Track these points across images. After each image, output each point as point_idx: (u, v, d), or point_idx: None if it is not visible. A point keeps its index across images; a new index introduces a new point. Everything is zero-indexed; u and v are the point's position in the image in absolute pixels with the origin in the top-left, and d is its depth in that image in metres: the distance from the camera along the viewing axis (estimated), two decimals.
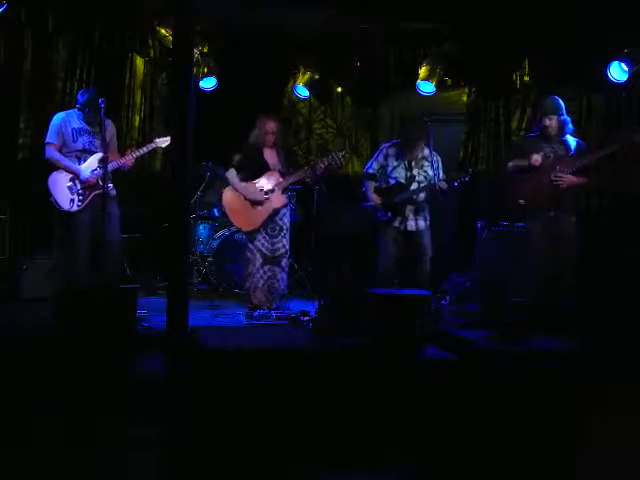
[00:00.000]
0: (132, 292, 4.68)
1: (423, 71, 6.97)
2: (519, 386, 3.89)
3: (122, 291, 4.71)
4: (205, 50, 7.02)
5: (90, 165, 5.60)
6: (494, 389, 3.87)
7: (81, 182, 5.56)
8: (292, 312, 5.66)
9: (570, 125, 5.67)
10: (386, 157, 5.96)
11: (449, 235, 7.42)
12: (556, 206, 5.54)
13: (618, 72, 5.88)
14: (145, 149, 5.85)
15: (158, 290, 6.58)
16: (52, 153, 5.57)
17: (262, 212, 5.91)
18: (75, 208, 5.54)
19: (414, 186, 5.88)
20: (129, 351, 4.31)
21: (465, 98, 7.66)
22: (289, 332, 5.04)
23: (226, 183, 6.05)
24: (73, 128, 5.59)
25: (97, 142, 5.58)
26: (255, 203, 5.92)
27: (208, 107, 6.50)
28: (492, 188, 7.02)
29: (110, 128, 5.71)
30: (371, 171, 6.02)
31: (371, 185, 5.99)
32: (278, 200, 5.95)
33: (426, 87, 6.99)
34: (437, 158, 5.87)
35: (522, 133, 7.12)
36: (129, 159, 5.70)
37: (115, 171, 5.64)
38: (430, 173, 5.84)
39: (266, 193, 5.92)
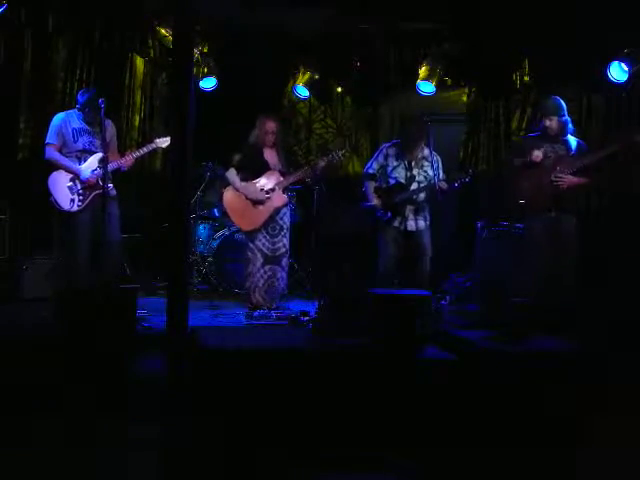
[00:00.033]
0: (132, 292, 4.68)
1: (423, 71, 6.97)
2: (519, 386, 3.89)
3: (122, 291, 4.71)
4: (205, 50, 7.02)
5: (90, 165, 5.60)
6: (494, 389, 3.87)
7: (81, 182, 5.56)
8: (292, 312, 5.66)
9: (570, 125, 5.67)
10: (386, 157, 5.96)
11: (449, 235, 7.42)
12: (556, 206, 5.54)
13: (618, 72, 5.88)
14: (145, 149, 5.85)
15: (158, 290, 6.58)
16: (52, 153, 5.57)
17: (263, 212, 5.91)
18: (75, 208, 5.54)
19: (414, 186, 5.88)
20: (129, 351, 4.31)
21: (465, 98, 7.66)
22: (289, 332, 5.04)
23: (226, 183, 6.05)
24: (73, 128, 5.59)
25: (97, 142, 5.58)
26: (256, 202, 5.92)
27: (208, 107, 6.50)
28: (492, 188, 7.02)
29: (110, 128, 5.71)
30: (371, 171, 6.02)
31: (371, 185, 5.99)
32: (279, 199, 5.95)
33: (426, 87, 6.99)
34: (437, 158, 5.87)
35: (522, 133, 7.12)
36: (129, 159, 5.70)
37: (115, 171, 5.64)
38: (430, 173, 5.84)
39: (267, 192, 5.93)
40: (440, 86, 7.04)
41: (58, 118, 5.62)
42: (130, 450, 3.46)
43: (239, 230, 6.72)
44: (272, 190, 5.93)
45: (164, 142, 5.85)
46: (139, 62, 7.33)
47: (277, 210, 5.95)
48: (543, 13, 6.06)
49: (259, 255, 5.89)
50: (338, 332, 4.13)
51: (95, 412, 3.78)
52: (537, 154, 5.55)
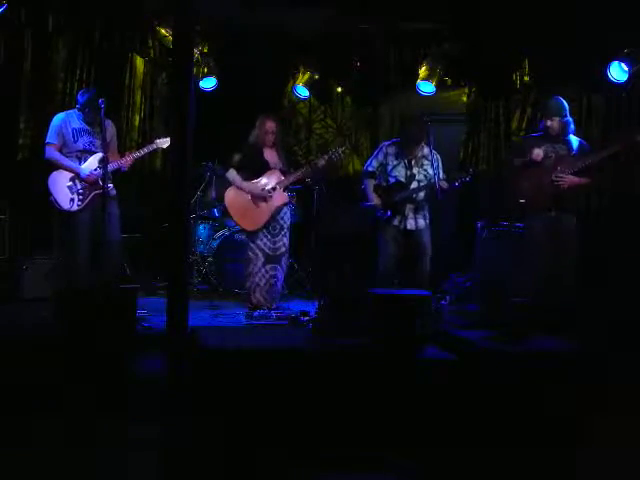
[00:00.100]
0: (132, 292, 4.68)
1: (423, 71, 6.97)
2: (519, 386, 3.89)
3: (122, 291, 4.71)
4: (205, 50, 7.02)
5: (90, 165, 5.60)
6: (494, 389, 3.87)
7: (82, 180, 5.56)
8: (292, 312, 5.67)
9: (572, 125, 5.67)
10: (386, 155, 5.96)
11: (449, 235, 7.42)
12: (557, 206, 5.54)
13: (618, 72, 5.88)
14: (145, 150, 5.86)
15: (158, 290, 6.59)
16: (52, 153, 5.57)
17: (265, 211, 5.92)
18: (75, 208, 5.54)
19: (414, 185, 5.88)
20: (129, 351, 4.31)
21: (465, 98, 7.66)
22: (289, 332, 5.04)
23: (227, 184, 6.05)
24: (73, 128, 5.60)
25: (97, 142, 5.58)
26: (259, 201, 5.91)
27: (208, 107, 6.51)
28: (492, 188, 7.02)
29: (110, 128, 5.71)
30: (370, 169, 6.02)
31: (370, 183, 5.99)
32: (280, 198, 5.95)
33: (426, 87, 6.99)
34: (437, 157, 5.87)
35: (522, 133, 7.12)
36: (129, 159, 5.70)
37: (115, 171, 5.64)
38: (430, 172, 5.84)
39: (268, 191, 5.93)
40: (440, 86, 7.04)
41: (58, 118, 5.63)
42: (130, 450, 3.46)
43: (239, 230, 6.73)
44: (273, 189, 5.93)
45: (164, 142, 5.85)
46: (139, 62, 7.34)
47: (278, 209, 5.96)
48: (543, 13, 6.06)
49: (260, 255, 5.89)
50: (338, 332, 4.13)
51: (95, 412, 3.78)
52: (538, 152, 5.55)
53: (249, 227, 5.96)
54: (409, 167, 5.91)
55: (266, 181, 5.95)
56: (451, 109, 7.76)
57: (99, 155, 5.55)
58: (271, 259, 5.92)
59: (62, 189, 5.54)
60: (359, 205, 6.21)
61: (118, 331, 4.29)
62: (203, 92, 7.05)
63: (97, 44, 6.83)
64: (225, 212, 6.47)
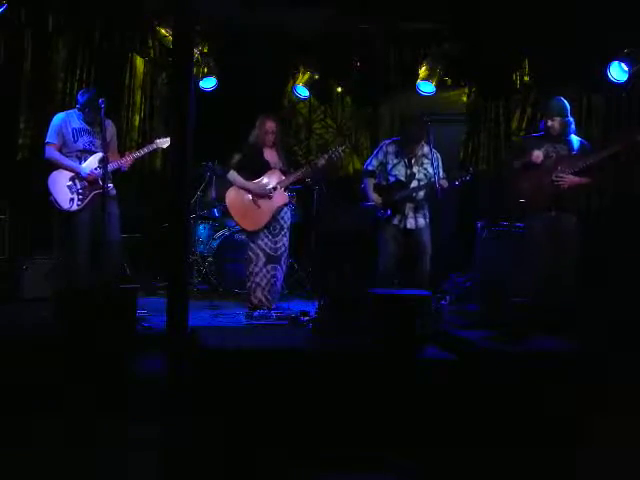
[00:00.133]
0: (132, 292, 4.67)
1: (423, 71, 6.97)
2: (519, 386, 3.89)
3: (122, 291, 4.71)
4: (205, 50, 7.03)
5: (90, 165, 5.60)
6: (494, 389, 3.87)
7: (82, 179, 5.56)
8: (292, 312, 5.67)
9: (573, 126, 5.66)
10: (386, 154, 5.95)
11: (449, 235, 7.42)
12: (557, 206, 5.53)
13: (618, 72, 5.88)
14: (145, 150, 5.86)
15: (158, 290, 6.59)
16: (52, 153, 5.58)
17: (266, 211, 5.92)
18: (75, 207, 5.54)
19: (414, 184, 5.88)
20: (129, 351, 4.31)
21: (465, 98, 7.66)
22: (289, 332, 5.04)
23: (227, 184, 6.05)
24: (73, 128, 5.60)
25: (97, 142, 5.58)
26: (260, 201, 5.90)
27: (208, 107, 6.50)
28: (492, 188, 7.02)
29: (110, 128, 5.71)
30: (370, 168, 6.02)
31: (370, 182, 5.99)
32: (281, 198, 5.95)
33: (426, 87, 6.99)
34: (437, 156, 5.87)
35: (522, 133, 7.12)
36: (129, 159, 5.70)
37: (115, 171, 5.64)
38: (430, 171, 5.84)
39: (269, 191, 5.93)
40: (440, 86, 7.04)
41: (58, 118, 5.63)
42: (130, 450, 3.46)
43: (239, 230, 6.73)
44: (274, 189, 5.93)
45: (164, 142, 5.85)
46: (139, 62, 7.34)
47: (279, 209, 5.96)
48: (543, 13, 6.06)
49: (261, 255, 5.89)
50: (338, 332, 4.13)
51: (95, 412, 3.78)
52: (537, 155, 5.55)
53: (250, 227, 5.96)
54: (409, 166, 5.90)
55: (267, 181, 5.95)
56: (451, 109, 7.76)
57: (99, 155, 5.56)
58: (272, 259, 5.92)
59: (62, 189, 5.54)
60: (359, 205, 6.22)
61: (118, 331, 4.29)
62: (203, 92, 7.05)
63: (97, 44, 6.83)
64: (226, 212, 6.47)
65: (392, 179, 5.91)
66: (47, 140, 5.59)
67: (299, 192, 6.79)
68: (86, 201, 5.57)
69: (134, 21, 6.82)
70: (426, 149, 5.85)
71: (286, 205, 6.03)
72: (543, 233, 5.55)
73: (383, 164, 5.95)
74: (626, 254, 6.02)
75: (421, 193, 5.89)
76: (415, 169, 5.90)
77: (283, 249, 5.99)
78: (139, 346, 4.45)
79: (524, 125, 7.18)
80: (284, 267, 6.05)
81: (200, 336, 4.09)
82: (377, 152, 6.05)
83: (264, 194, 5.90)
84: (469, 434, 3.67)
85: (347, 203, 7.19)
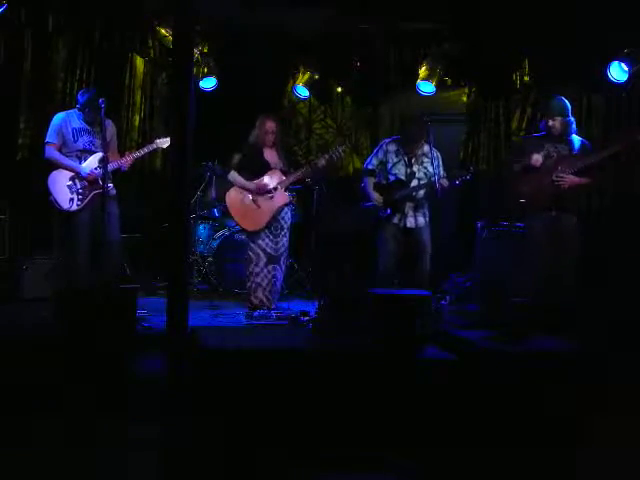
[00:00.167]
0: (132, 292, 4.67)
1: (423, 71, 6.97)
2: (519, 386, 3.88)
3: (122, 291, 4.71)
4: (205, 50, 7.02)
5: (90, 165, 5.60)
6: (494, 389, 3.87)
7: (83, 178, 5.56)
8: (292, 312, 5.66)
9: (574, 125, 5.66)
10: (386, 153, 5.95)
11: (449, 235, 7.42)
12: (557, 206, 5.53)
13: (618, 72, 5.88)
14: (145, 150, 5.86)
15: (158, 290, 6.59)
16: (52, 153, 5.58)
17: (266, 212, 5.91)
18: (75, 207, 5.54)
19: (414, 183, 5.88)
20: (129, 351, 4.31)
21: (465, 98, 7.66)
22: (289, 332, 5.04)
23: (227, 184, 6.05)
24: (73, 128, 5.60)
25: (97, 142, 5.59)
26: (260, 201, 5.90)
27: (208, 107, 6.50)
28: (492, 188, 7.02)
29: (110, 128, 5.72)
30: (370, 167, 6.02)
31: (370, 181, 5.99)
32: (281, 198, 5.95)
33: (426, 87, 6.99)
34: (437, 154, 5.87)
35: (522, 133, 7.12)
36: (129, 159, 5.70)
37: (115, 171, 5.64)
38: (430, 170, 5.84)
39: (270, 192, 5.93)
40: (440, 86, 7.04)
41: (58, 118, 5.63)
42: (130, 450, 3.46)
43: (239, 230, 6.74)
44: (274, 189, 5.93)
45: (164, 142, 5.86)
46: (139, 62, 7.34)
47: (279, 209, 5.96)
48: (543, 13, 6.06)
49: (262, 255, 5.89)
50: (338, 332, 4.13)
51: (95, 412, 3.78)
52: (536, 158, 5.54)
53: (250, 227, 5.96)
54: (409, 165, 5.90)
55: (267, 181, 5.95)
56: (451, 109, 7.76)
57: (99, 155, 5.56)
58: (272, 259, 5.92)
59: (62, 189, 5.54)
60: (359, 205, 6.22)
61: (118, 331, 4.29)
62: (203, 92, 7.05)
63: (97, 44, 6.83)
64: (226, 212, 6.47)
65: (392, 178, 5.91)
66: (47, 140, 5.59)
67: (299, 192, 6.79)
68: (86, 201, 5.57)
69: (134, 21, 6.82)
70: (426, 148, 5.85)
71: (287, 205, 6.03)
72: (543, 233, 5.55)
73: (383, 163, 5.95)
74: (626, 254, 6.02)
75: (421, 192, 5.89)
76: (415, 168, 5.90)
77: (283, 249, 5.99)
78: (139, 346, 4.45)
79: (524, 125, 7.18)
80: (283, 267, 6.05)
81: (200, 336, 4.09)
82: (377, 151, 6.05)
83: (266, 192, 5.89)
84: (469, 434, 3.67)
85: (347, 203, 7.19)
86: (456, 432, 3.67)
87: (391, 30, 7.13)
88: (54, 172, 5.57)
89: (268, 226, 5.91)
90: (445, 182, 5.78)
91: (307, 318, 5.26)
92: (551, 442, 3.65)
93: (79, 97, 5.67)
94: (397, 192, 5.87)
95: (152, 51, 7.07)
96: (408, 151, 5.91)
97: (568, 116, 5.61)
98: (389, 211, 5.84)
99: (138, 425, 3.67)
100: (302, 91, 7.54)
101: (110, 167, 5.42)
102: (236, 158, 5.96)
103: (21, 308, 5.70)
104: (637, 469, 3.42)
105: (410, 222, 5.85)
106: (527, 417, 3.77)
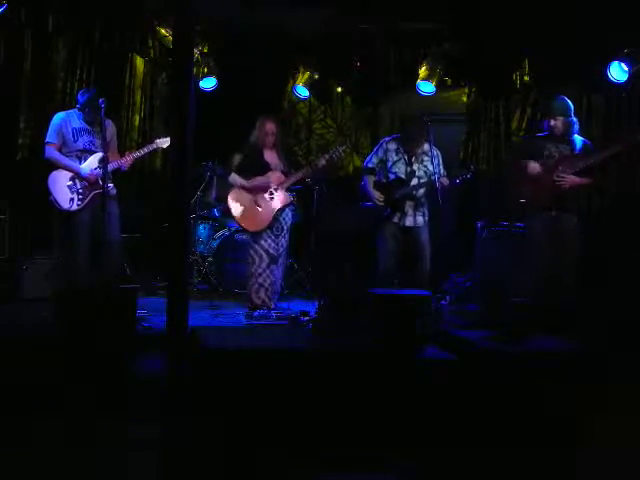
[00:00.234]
0: (132, 292, 4.67)
1: (423, 71, 6.98)
2: (519, 386, 3.89)
3: (122, 291, 4.71)
4: (205, 50, 7.03)
5: (90, 164, 5.60)
6: (494, 389, 3.87)
7: (83, 179, 5.56)
8: (292, 312, 5.65)
9: (577, 126, 5.65)
10: (386, 152, 5.95)
11: (449, 234, 7.41)
12: (558, 206, 5.52)
13: (618, 72, 5.88)
14: (145, 150, 5.86)
15: (158, 290, 6.58)
16: (52, 152, 5.58)
17: (267, 212, 5.91)
18: (75, 207, 5.54)
19: (414, 181, 5.89)
20: (129, 351, 4.31)
21: (465, 98, 7.66)
22: (289, 332, 5.03)
23: (227, 184, 6.04)
24: (73, 128, 5.60)
25: (97, 142, 5.59)
26: (261, 202, 5.89)
27: (208, 107, 6.51)
28: (492, 188, 7.02)
29: (110, 128, 5.71)
30: (370, 165, 6.01)
31: (370, 179, 5.99)
32: (282, 199, 5.95)
33: (426, 87, 6.99)
34: (437, 153, 5.87)
35: (522, 133, 7.13)
36: (129, 159, 5.70)
37: (115, 171, 5.64)
38: (430, 168, 5.84)
39: (270, 192, 5.93)
40: (440, 86, 7.04)
41: (58, 117, 5.63)
42: (130, 450, 3.46)
43: (239, 230, 6.73)
44: (275, 190, 5.93)
45: (164, 142, 5.86)
46: (139, 62, 7.34)
47: (280, 210, 5.96)
48: (543, 13, 6.06)
49: (265, 256, 5.88)
50: (338, 332, 4.13)
51: (95, 412, 3.78)
52: (533, 167, 5.53)
53: (251, 228, 5.95)
54: (409, 163, 5.90)
55: (268, 182, 5.94)
56: (451, 109, 7.77)
57: (99, 155, 5.56)
58: (274, 260, 5.92)
59: (62, 189, 5.54)
60: (359, 205, 6.21)
61: (118, 331, 4.29)
62: (203, 92, 7.05)
63: (97, 44, 6.84)
64: (226, 212, 6.46)
65: (392, 176, 5.91)
66: (47, 140, 5.59)
67: (299, 192, 6.79)
68: (86, 201, 5.57)
69: (134, 21, 6.82)
70: (426, 146, 5.85)
71: (287, 206, 6.03)
72: (543, 233, 5.55)
73: (383, 161, 5.95)
74: (626, 254, 6.02)
75: (421, 190, 5.89)
76: (415, 166, 5.91)
77: (282, 249, 6.00)
78: (139, 346, 4.45)
79: (524, 125, 7.18)
80: (282, 267, 6.06)
81: (200, 336, 4.09)
82: (377, 149, 6.05)
83: (267, 189, 5.88)
84: (469, 434, 3.67)
85: (347, 203, 7.18)
86: (456, 432, 3.67)
87: (391, 30, 7.13)
88: (54, 172, 5.57)
89: (270, 227, 5.92)
90: (445, 181, 5.78)
91: (307, 318, 5.25)
92: (551, 442, 3.65)
93: (79, 97, 5.67)
94: (397, 191, 5.87)
95: (152, 51, 7.08)
96: (408, 149, 5.91)
97: (570, 116, 5.60)
98: (389, 210, 5.84)
99: (138, 425, 3.67)
100: (302, 91, 7.54)
101: (110, 167, 5.42)
102: (236, 159, 5.96)
103: (21, 308, 5.70)
104: (637, 469, 3.42)
105: (409, 221, 5.85)
106: (527, 417, 3.77)
